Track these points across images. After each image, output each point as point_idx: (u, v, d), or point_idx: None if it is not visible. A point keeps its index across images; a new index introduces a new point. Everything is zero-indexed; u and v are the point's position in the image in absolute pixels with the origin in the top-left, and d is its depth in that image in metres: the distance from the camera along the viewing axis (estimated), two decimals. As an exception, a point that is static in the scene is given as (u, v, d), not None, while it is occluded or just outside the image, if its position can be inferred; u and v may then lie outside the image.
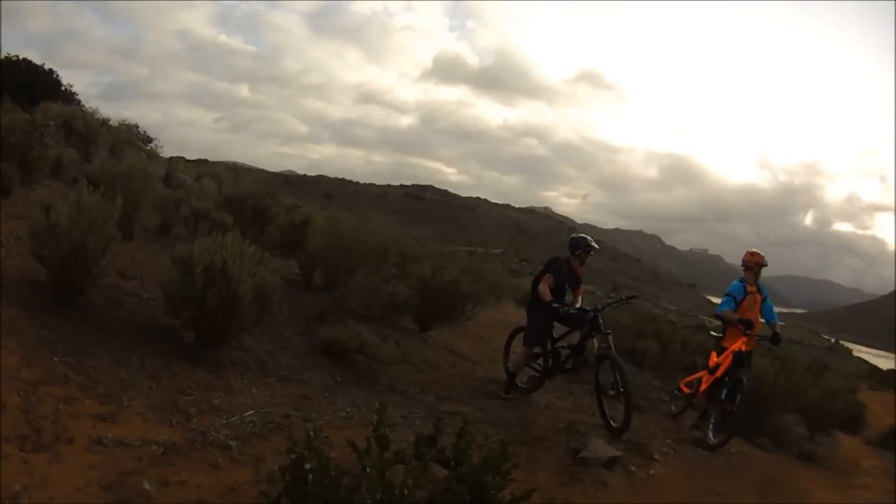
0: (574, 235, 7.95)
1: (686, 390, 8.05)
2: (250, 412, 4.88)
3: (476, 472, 3.30)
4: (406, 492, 2.99)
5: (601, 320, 7.21)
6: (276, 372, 6.04)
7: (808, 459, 8.11)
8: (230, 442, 4.30)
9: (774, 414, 8.37)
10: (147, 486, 3.47)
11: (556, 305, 7.32)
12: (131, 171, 8.90)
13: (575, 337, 7.53)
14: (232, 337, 5.89)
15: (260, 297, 5.76)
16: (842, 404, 11.71)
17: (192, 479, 3.72)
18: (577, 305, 7.63)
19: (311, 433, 3.06)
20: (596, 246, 7.81)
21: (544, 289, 7.43)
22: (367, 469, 2.99)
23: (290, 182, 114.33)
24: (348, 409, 5.62)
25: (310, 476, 2.96)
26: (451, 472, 3.34)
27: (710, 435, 7.08)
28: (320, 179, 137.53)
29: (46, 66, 17.15)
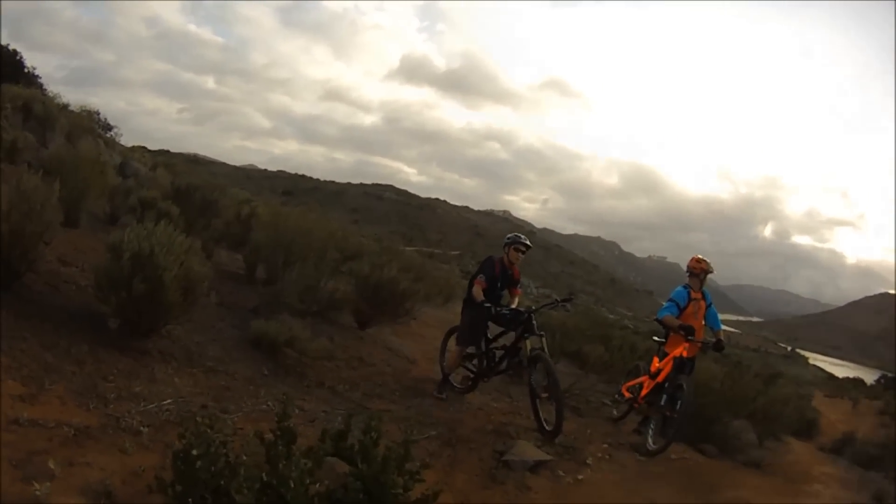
0: (509, 234, 7.99)
1: (627, 395, 7.99)
2: (168, 401, 4.99)
3: (376, 469, 3.39)
4: (293, 485, 3.13)
5: (535, 322, 7.17)
6: (202, 363, 6.14)
7: (755, 466, 7.99)
8: (142, 428, 4.41)
9: (721, 420, 8.24)
10: (52, 466, 3.61)
11: (487, 305, 7.29)
12: (81, 158, 8.94)
13: (510, 338, 7.48)
14: (160, 325, 5.99)
15: (187, 286, 5.89)
16: (794, 411, 11.79)
17: (97, 461, 3.83)
18: (513, 306, 7.59)
19: (199, 419, 3.20)
20: (526, 242, 7.77)
21: (477, 290, 7.40)
22: (244, 457, 3.14)
23: (250, 176, 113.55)
24: (270, 403, 5.66)
25: (198, 462, 3.11)
26: (352, 469, 3.45)
27: (650, 440, 7.03)
28: (280, 175, 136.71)
29: (11, 48, 17.13)
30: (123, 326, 5.81)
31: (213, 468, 3.12)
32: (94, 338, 5.61)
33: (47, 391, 4.54)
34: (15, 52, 17.26)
